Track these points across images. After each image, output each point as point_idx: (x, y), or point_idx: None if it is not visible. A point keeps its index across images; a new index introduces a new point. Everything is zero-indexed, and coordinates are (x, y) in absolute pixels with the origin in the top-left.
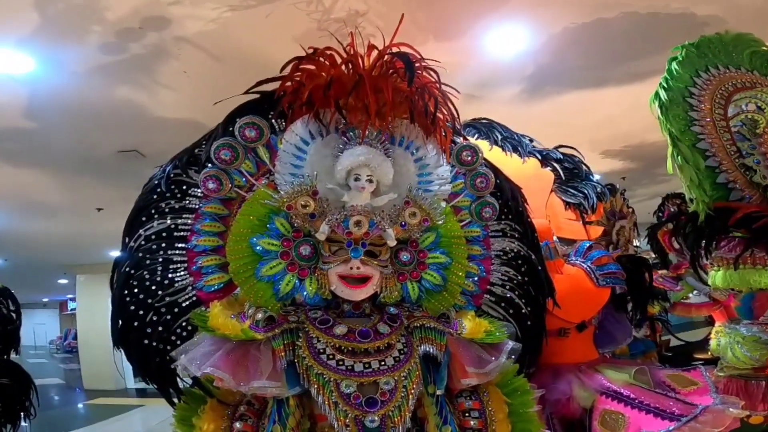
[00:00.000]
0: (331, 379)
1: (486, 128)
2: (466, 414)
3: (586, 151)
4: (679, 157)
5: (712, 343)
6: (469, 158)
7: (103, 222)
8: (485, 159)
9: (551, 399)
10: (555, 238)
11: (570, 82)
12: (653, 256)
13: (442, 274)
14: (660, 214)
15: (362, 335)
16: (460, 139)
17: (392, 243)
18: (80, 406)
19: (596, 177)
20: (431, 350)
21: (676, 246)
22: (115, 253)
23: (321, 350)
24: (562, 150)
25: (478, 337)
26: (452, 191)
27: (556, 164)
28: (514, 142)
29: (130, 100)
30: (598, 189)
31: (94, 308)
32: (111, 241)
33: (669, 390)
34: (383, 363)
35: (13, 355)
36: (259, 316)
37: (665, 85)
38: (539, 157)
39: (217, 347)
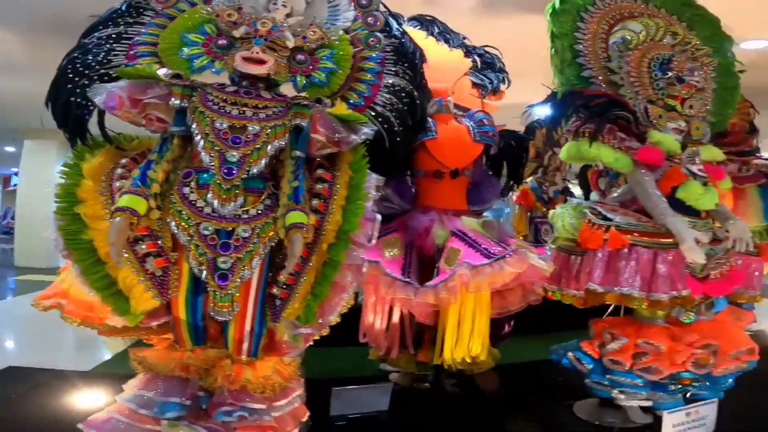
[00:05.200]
0: (209, 115)
1: (428, 23)
2: (318, 181)
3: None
4: (552, 50)
5: (549, 213)
6: (365, 2)
7: None
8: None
9: (413, 227)
10: (450, 99)
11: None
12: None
13: (327, 76)
14: None
15: (246, 93)
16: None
17: (290, 44)
18: (10, 280)
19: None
20: (301, 123)
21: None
22: None
23: (210, 100)
24: (487, 49)
25: (337, 112)
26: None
27: (476, 56)
28: (447, 36)
29: None
30: (504, 80)
31: (38, 179)
32: None
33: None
34: (255, 114)
35: None
36: (169, 71)
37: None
38: (464, 50)
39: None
